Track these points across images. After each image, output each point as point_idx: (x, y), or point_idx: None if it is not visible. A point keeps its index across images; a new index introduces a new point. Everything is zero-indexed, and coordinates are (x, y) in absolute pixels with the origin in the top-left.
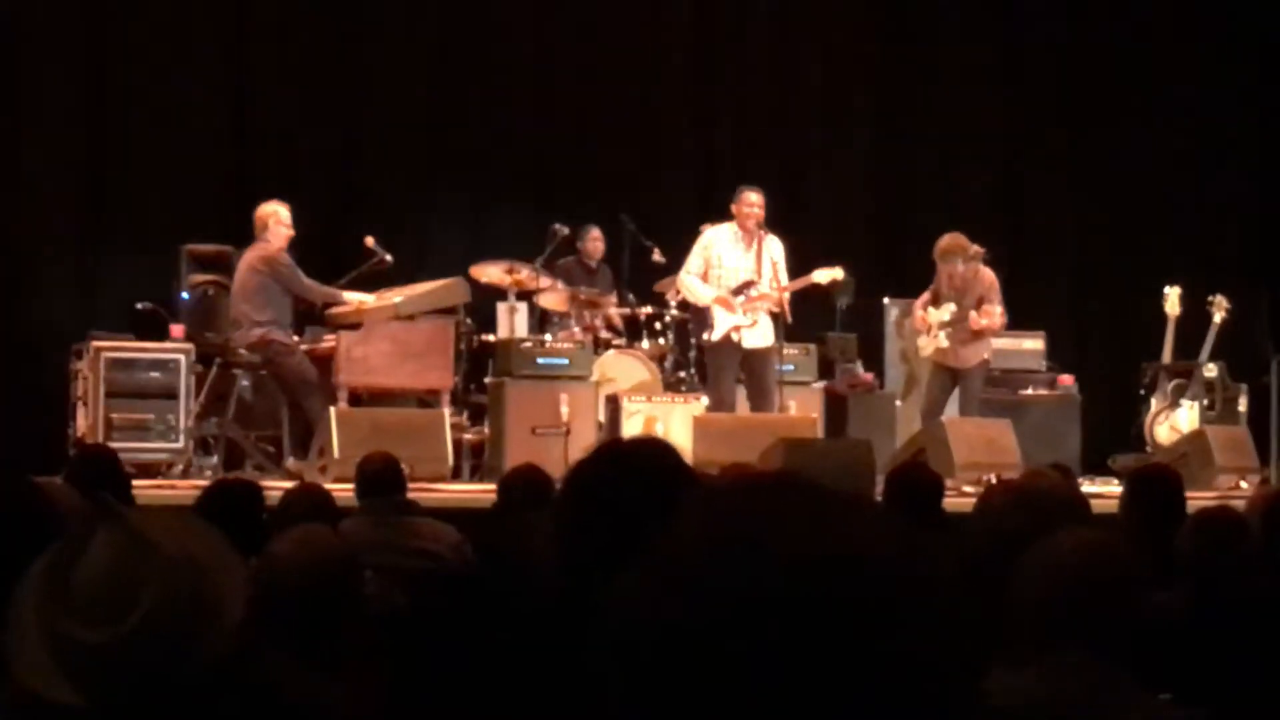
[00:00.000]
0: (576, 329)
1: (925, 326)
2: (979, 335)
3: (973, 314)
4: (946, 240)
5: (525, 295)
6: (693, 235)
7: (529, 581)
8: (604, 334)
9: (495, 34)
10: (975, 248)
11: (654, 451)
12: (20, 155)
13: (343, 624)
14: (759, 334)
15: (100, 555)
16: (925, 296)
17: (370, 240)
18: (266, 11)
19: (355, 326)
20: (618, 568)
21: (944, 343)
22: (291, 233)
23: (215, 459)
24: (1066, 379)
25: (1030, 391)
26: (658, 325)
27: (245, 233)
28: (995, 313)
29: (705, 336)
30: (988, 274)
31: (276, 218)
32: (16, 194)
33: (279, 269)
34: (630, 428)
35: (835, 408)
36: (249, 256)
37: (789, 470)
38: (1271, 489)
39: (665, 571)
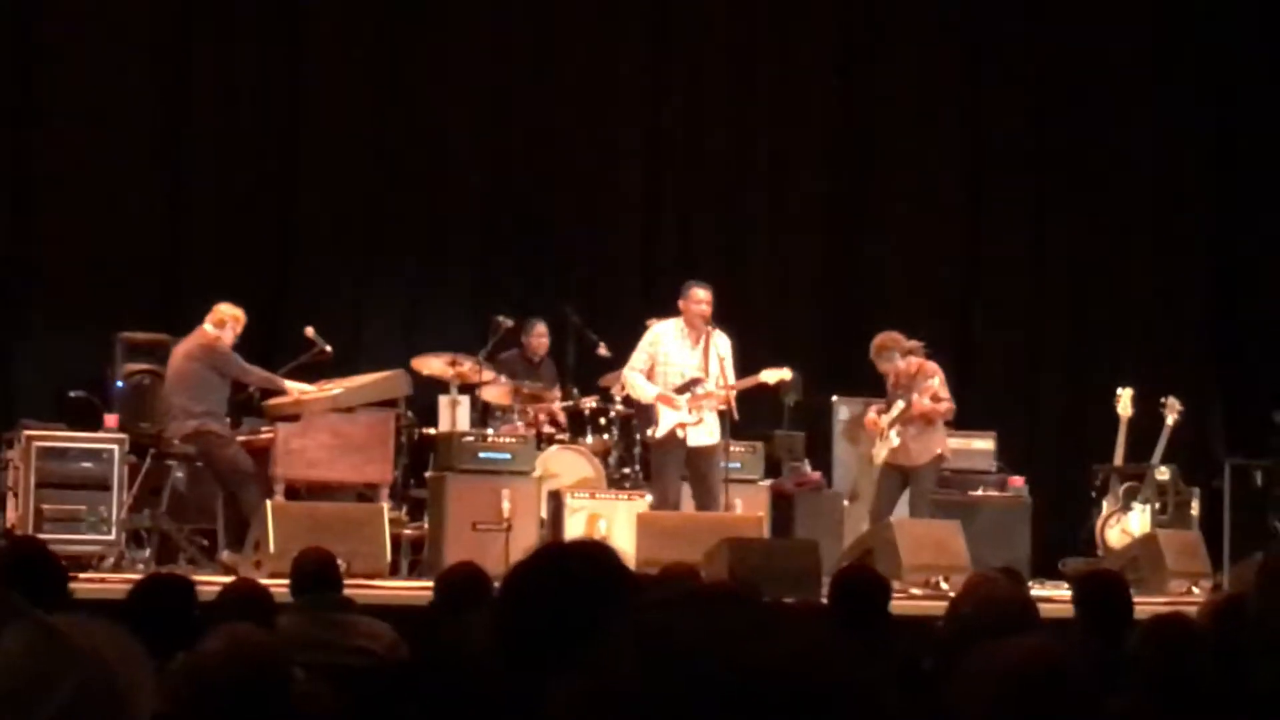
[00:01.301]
0: (519, 423)
1: (878, 430)
2: (928, 425)
3: (913, 398)
4: (879, 339)
5: (468, 388)
6: (639, 330)
7: (464, 681)
8: (547, 429)
9: (439, 121)
10: (912, 343)
11: (594, 554)
12: None
13: None
14: (705, 432)
15: (12, 650)
16: (879, 405)
17: (310, 330)
18: (203, 94)
19: (294, 418)
20: (555, 670)
21: (895, 441)
22: (236, 340)
23: (148, 552)
24: (1017, 480)
25: (980, 493)
26: (602, 420)
27: (178, 321)
28: (935, 391)
29: (650, 433)
30: (931, 365)
31: (237, 321)
32: None
33: (217, 355)
34: (573, 525)
35: (782, 507)
36: (186, 345)
37: (732, 576)
38: (1224, 594)
39: (603, 683)
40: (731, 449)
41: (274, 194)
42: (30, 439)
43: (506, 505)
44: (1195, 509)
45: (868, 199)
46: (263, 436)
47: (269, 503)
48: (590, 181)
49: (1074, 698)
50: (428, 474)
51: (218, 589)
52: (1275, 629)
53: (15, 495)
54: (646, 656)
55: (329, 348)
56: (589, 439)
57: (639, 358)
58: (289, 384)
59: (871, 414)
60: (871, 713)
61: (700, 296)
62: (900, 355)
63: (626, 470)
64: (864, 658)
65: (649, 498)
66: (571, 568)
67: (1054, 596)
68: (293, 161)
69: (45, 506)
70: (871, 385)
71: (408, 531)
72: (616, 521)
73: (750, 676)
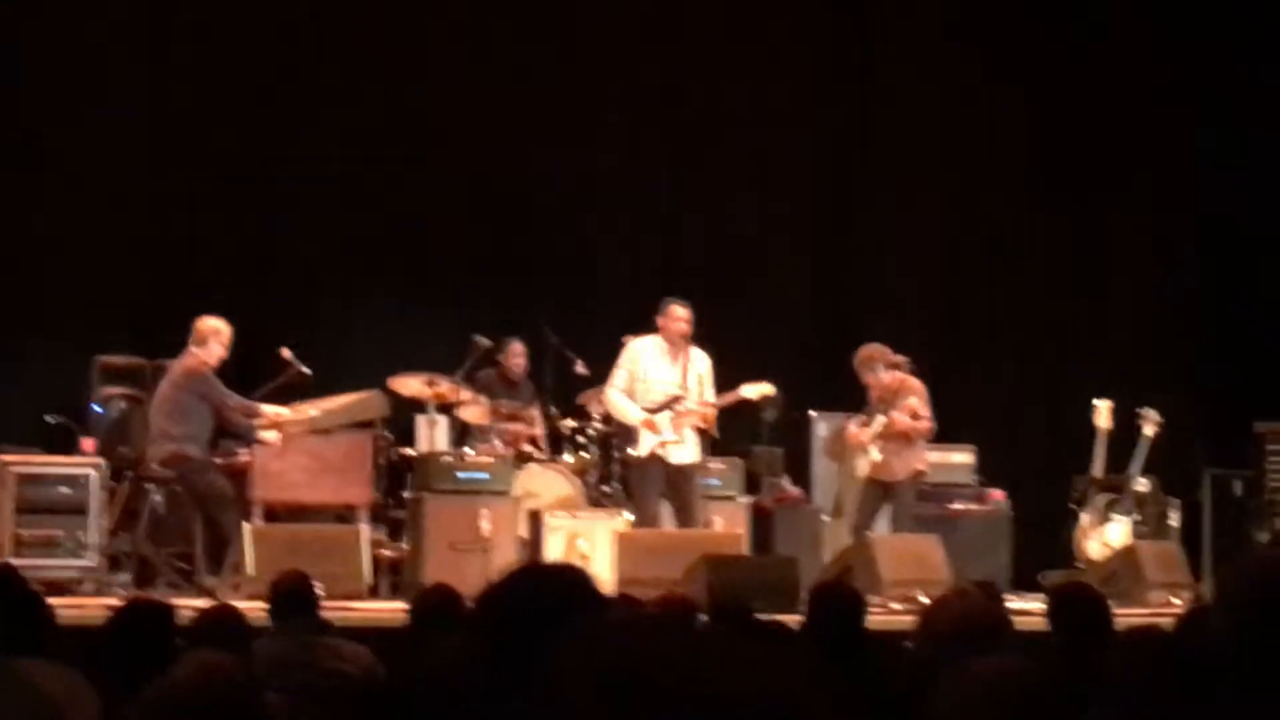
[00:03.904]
0: (498, 443)
1: (858, 444)
2: (908, 442)
3: (893, 414)
4: (864, 350)
5: (446, 408)
6: (616, 348)
7: (437, 703)
8: (526, 448)
9: (417, 138)
10: (897, 357)
11: (566, 577)
12: None
13: None
14: (685, 450)
15: None
16: (860, 417)
17: (286, 352)
18: (181, 114)
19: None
20: (526, 692)
21: (876, 456)
22: (225, 355)
23: (127, 576)
24: (997, 493)
25: (960, 506)
26: (581, 439)
27: (155, 345)
28: (915, 409)
29: (630, 451)
30: (914, 382)
31: (219, 335)
32: None
33: (196, 381)
34: (553, 544)
35: (762, 523)
36: (173, 368)
37: (711, 593)
38: (1191, 605)
39: (557, 704)
40: (710, 466)
41: (250, 214)
42: (7, 464)
43: (486, 525)
44: (1174, 520)
45: (851, 213)
46: (240, 459)
47: (247, 526)
48: (569, 199)
49: (1047, 717)
50: (406, 494)
51: (197, 613)
52: (1238, 644)
53: None
54: (601, 679)
55: (306, 369)
56: (568, 457)
57: (619, 376)
58: (265, 409)
59: (852, 427)
60: None
61: (679, 314)
62: (884, 368)
63: (606, 489)
64: (826, 683)
65: (628, 516)
66: (543, 590)
67: (1032, 610)
68: (270, 181)
69: (23, 532)
70: (850, 400)
71: (387, 552)
72: (596, 540)
73: (703, 703)
